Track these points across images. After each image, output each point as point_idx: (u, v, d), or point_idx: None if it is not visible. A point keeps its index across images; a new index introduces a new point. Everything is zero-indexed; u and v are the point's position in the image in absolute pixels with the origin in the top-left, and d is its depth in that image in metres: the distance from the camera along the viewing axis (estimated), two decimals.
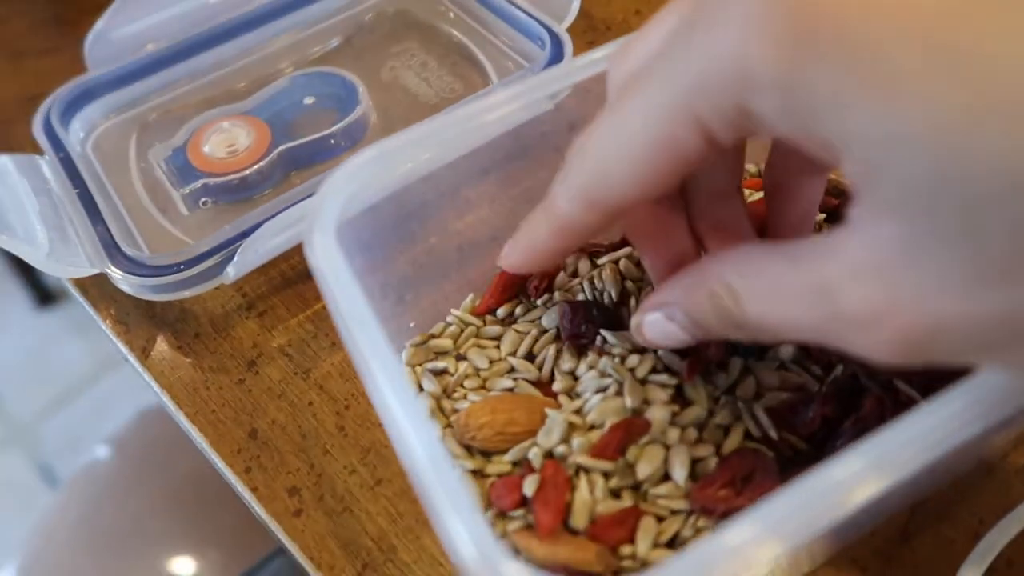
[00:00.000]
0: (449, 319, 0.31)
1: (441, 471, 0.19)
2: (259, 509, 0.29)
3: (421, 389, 0.30)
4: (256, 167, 0.37)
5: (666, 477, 0.25)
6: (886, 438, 0.18)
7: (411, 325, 0.31)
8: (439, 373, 0.30)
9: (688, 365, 0.26)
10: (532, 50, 0.41)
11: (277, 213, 0.32)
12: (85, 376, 1.21)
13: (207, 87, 0.42)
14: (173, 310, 0.35)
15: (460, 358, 0.31)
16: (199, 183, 0.37)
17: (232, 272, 0.32)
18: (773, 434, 0.26)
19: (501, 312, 0.31)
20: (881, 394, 0.26)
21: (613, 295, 0.30)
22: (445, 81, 0.42)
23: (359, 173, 0.24)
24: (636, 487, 0.25)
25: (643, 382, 0.27)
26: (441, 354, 0.31)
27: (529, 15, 0.40)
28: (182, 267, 0.32)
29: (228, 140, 0.38)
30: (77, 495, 0.65)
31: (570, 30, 0.39)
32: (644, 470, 0.25)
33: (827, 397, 0.26)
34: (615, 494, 0.25)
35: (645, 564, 0.24)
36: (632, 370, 0.27)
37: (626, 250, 0.31)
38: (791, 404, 0.26)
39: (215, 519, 0.61)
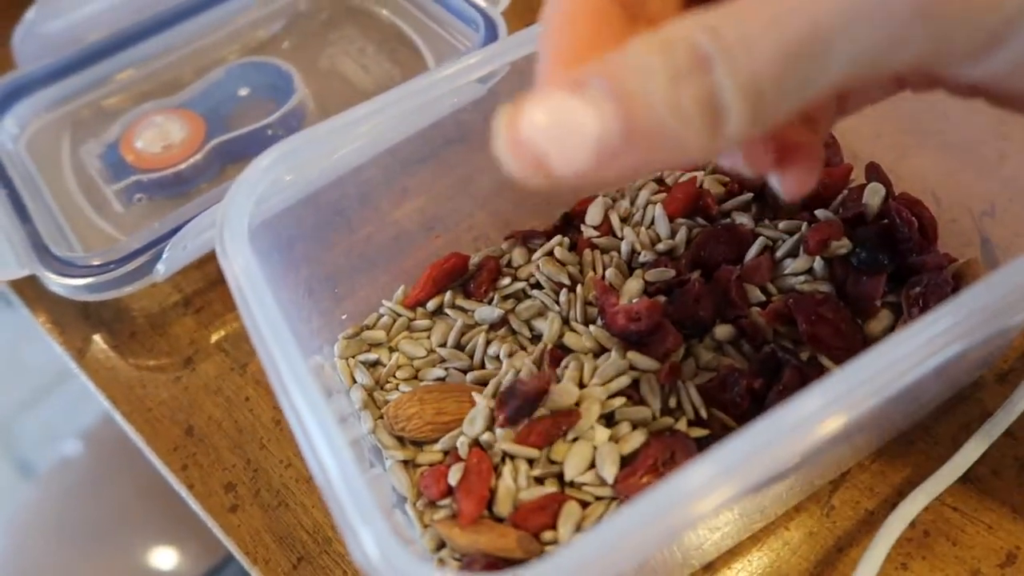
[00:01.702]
0: (382, 310, 0.31)
1: (348, 480, 0.19)
2: (195, 506, 0.30)
3: (354, 381, 0.30)
4: (190, 161, 0.37)
5: (592, 465, 0.25)
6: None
7: (343, 317, 0.31)
8: (372, 365, 0.30)
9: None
10: (469, 34, 0.40)
11: (207, 208, 0.32)
12: (61, 370, 1.20)
13: (141, 81, 0.42)
14: (109, 309, 0.35)
15: (393, 349, 0.31)
16: (132, 179, 0.37)
17: (162, 269, 0.32)
18: (703, 412, 0.26)
19: (431, 305, 0.31)
20: (800, 364, 0.26)
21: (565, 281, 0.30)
22: (384, 67, 0.42)
23: (267, 174, 0.24)
24: (560, 474, 0.25)
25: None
26: (375, 345, 0.31)
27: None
28: (112, 266, 0.32)
29: (161, 134, 0.38)
30: (52, 489, 0.65)
31: (506, 14, 0.39)
32: (571, 469, 0.25)
33: (753, 372, 0.26)
34: (539, 481, 0.25)
35: None
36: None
37: (557, 239, 0.31)
38: (721, 381, 0.27)
39: (191, 509, 0.61)
